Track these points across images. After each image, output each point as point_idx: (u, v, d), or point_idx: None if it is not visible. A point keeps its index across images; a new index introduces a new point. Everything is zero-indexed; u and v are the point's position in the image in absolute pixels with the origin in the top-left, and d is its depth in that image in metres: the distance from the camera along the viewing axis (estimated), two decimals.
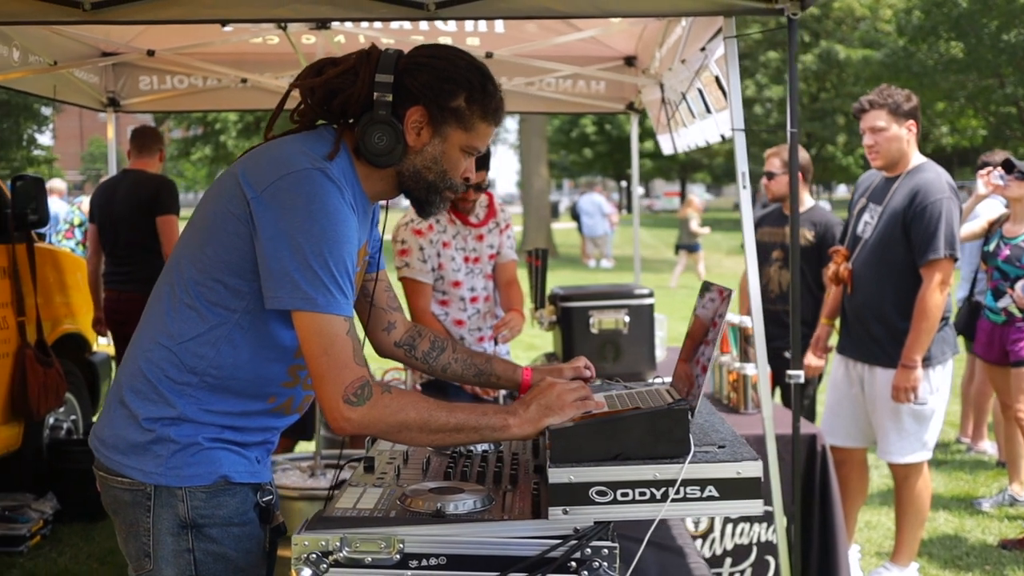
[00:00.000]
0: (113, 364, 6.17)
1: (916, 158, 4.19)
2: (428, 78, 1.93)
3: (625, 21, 4.83)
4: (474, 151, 2.01)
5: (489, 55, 5.40)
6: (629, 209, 58.95)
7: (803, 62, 29.87)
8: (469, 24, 5.26)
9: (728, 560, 3.73)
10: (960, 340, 5.94)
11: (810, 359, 4.84)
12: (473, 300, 4.10)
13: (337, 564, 1.68)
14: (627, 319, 4.30)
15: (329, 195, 1.83)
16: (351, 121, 1.98)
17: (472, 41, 5.56)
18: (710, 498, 1.70)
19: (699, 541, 3.72)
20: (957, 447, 6.90)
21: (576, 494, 1.69)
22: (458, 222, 4.06)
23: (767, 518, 3.68)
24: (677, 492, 1.69)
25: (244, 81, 5.78)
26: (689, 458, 1.70)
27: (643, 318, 4.36)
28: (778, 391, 5.24)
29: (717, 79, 3.57)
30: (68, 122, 51.39)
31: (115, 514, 1.99)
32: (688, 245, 19.06)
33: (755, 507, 1.71)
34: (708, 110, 3.99)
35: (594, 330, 4.30)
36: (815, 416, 5.28)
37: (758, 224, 5.64)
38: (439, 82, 1.93)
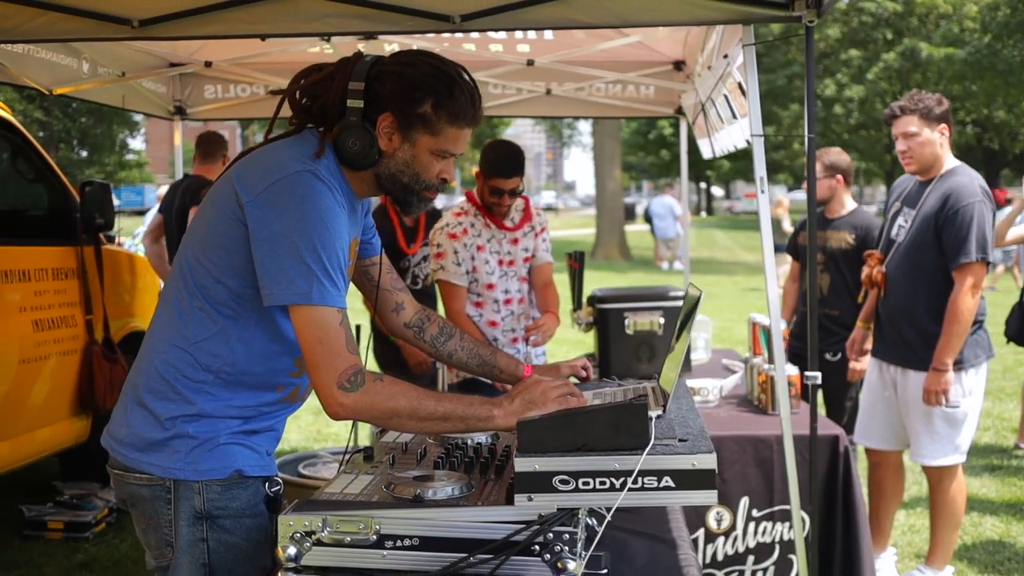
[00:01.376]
0: None
1: (950, 162, 4.19)
2: (395, 86, 2.02)
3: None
4: (446, 154, 2.09)
5: (530, 63, 5.50)
6: (709, 211, 58.44)
7: (885, 60, 29.34)
8: (519, 32, 5.36)
9: (751, 558, 3.79)
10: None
11: (853, 363, 4.86)
12: (507, 302, 4.21)
13: (320, 543, 1.81)
14: (662, 320, 4.37)
15: (320, 195, 1.94)
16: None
17: (522, 48, 5.66)
18: (667, 488, 1.78)
19: (721, 539, 3.79)
20: (1016, 452, 6.79)
21: (540, 482, 1.79)
22: (493, 226, 4.19)
23: (790, 517, 3.73)
24: (635, 481, 1.78)
25: None
26: (647, 450, 1.80)
27: (677, 320, 4.42)
28: (819, 393, 5.24)
29: (740, 85, 3.63)
30: (159, 127, 52.54)
31: (133, 507, 2.12)
32: (781, 245, 18.85)
33: (709, 497, 1.80)
34: (734, 115, 4.05)
35: (629, 331, 4.38)
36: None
37: (800, 228, 5.67)
38: (405, 90, 2.02)
